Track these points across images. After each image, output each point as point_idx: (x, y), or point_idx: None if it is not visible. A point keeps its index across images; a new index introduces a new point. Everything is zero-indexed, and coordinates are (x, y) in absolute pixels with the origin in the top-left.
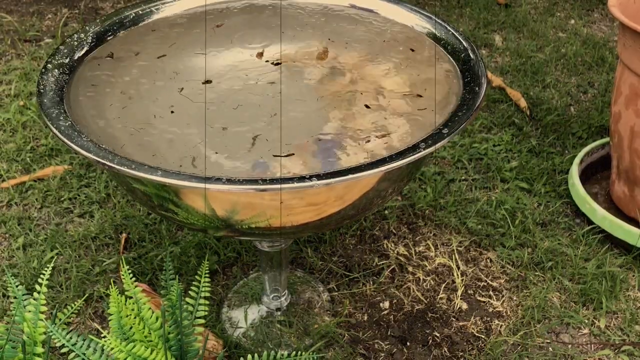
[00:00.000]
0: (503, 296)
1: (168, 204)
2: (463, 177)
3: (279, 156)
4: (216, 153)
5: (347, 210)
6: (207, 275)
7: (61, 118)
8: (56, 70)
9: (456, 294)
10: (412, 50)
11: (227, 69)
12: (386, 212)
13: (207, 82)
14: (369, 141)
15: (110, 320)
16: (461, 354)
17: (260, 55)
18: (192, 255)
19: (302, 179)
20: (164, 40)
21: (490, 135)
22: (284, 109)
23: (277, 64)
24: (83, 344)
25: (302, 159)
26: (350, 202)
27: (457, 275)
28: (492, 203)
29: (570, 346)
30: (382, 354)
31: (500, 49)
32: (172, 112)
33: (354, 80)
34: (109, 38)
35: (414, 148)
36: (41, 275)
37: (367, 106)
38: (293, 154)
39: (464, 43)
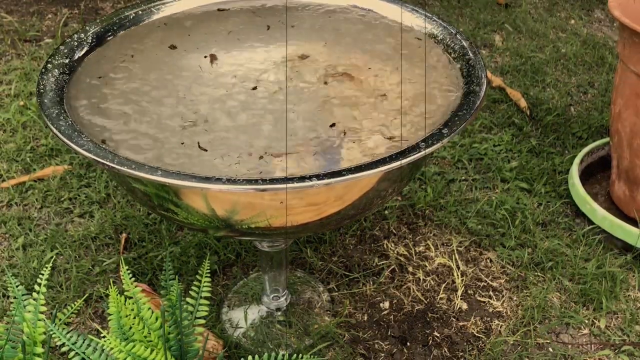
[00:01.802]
0: (503, 296)
1: (168, 204)
2: (463, 177)
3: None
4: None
5: (347, 210)
6: (207, 275)
7: (61, 118)
8: (56, 70)
9: (456, 294)
10: (412, 51)
11: (228, 68)
12: (386, 212)
13: (169, 47)
14: (368, 141)
15: (110, 320)
16: (461, 354)
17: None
18: (192, 255)
19: (302, 179)
20: (165, 40)
21: (490, 135)
22: (283, 109)
23: (268, 89)
24: (83, 343)
25: (302, 158)
26: (350, 202)
27: (457, 275)
28: (492, 203)
29: (570, 346)
30: (382, 354)
31: (500, 49)
32: (170, 111)
33: (354, 80)
34: (109, 38)
35: (414, 148)
36: (40, 275)
37: (332, 125)
38: (206, 150)
39: (464, 43)
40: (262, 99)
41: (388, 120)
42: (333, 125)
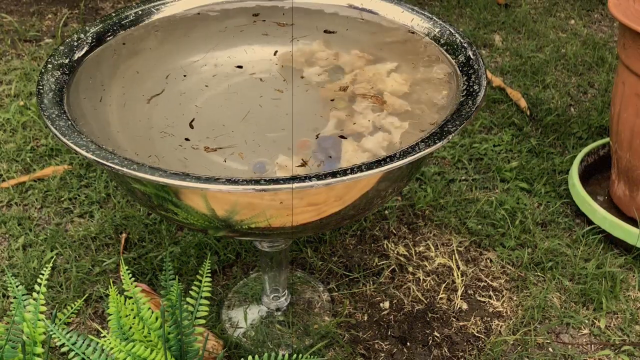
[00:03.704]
0: (503, 296)
1: (168, 204)
2: (463, 177)
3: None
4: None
5: (347, 210)
6: (207, 275)
7: (61, 118)
8: (56, 70)
9: (456, 294)
10: (412, 51)
11: (228, 68)
12: (386, 212)
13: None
14: (367, 142)
15: (110, 320)
16: (461, 354)
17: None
18: (192, 255)
19: (302, 179)
20: (165, 40)
21: (490, 135)
22: (283, 110)
23: (267, 89)
24: (83, 343)
25: (302, 158)
26: (350, 202)
27: (457, 275)
28: (492, 203)
29: (570, 346)
30: (382, 354)
31: (500, 49)
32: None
33: (354, 80)
34: (109, 38)
35: (413, 148)
36: (40, 275)
37: (341, 136)
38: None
39: (464, 43)
40: (261, 99)
41: (387, 120)
42: (342, 137)
